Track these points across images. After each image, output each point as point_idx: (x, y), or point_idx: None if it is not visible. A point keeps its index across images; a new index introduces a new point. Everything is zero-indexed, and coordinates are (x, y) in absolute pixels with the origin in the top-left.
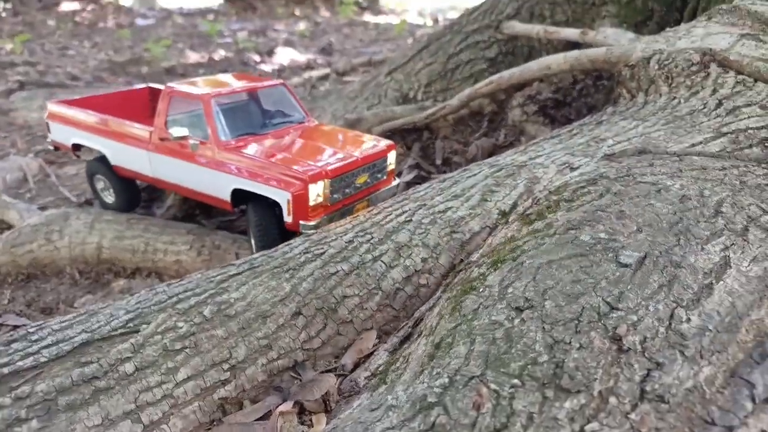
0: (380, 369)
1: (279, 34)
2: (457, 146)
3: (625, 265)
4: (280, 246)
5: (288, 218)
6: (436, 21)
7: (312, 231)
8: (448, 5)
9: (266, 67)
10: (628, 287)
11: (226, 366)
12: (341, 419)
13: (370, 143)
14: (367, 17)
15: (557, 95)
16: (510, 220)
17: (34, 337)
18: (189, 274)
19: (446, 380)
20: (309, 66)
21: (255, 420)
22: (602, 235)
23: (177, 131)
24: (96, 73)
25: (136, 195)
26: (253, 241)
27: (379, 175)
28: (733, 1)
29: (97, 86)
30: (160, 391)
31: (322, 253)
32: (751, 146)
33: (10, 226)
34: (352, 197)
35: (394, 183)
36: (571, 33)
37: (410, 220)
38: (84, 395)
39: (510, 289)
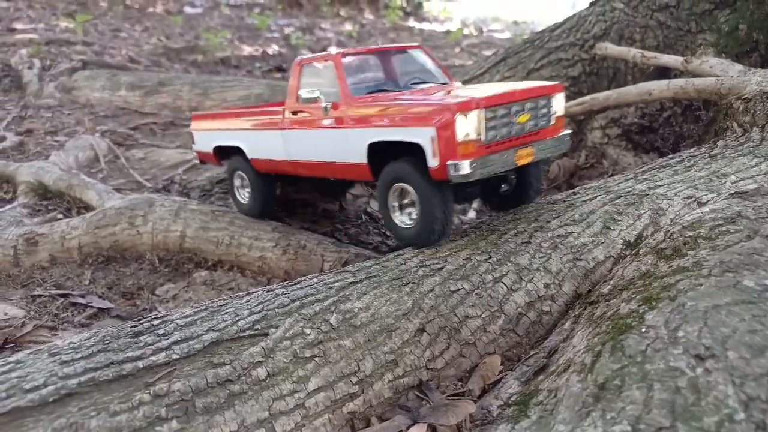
0: (514, 399)
1: (325, 33)
2: None
3: None
4: (391, 256)
5: (433, 162)
6: (480, 31)
7: (461, 179)
8: (491, 16)
9: None
10: None
11: (354, 379)
12: None
13: (536, 83)
14: (412, 23)
15: (643, 120)
16: (640, 252)
17: (161, 331)
18: (303, 277)
19: (628, 428)
20: None
21: None
22: (767, 282)
23: (306, 93)
24: (152, 57)
25: (271, 198)
26: (396, 223)
27: (544, 121)
28: None
29: (155, 70)
30: (292, 400)
31: (440, 269)
32: None
33: (87, 206)
34: (512, 140)
35: (563, 133)
36: (671, 60)
37: (528, 242)
38: (219, 398)
39: (680, 333)
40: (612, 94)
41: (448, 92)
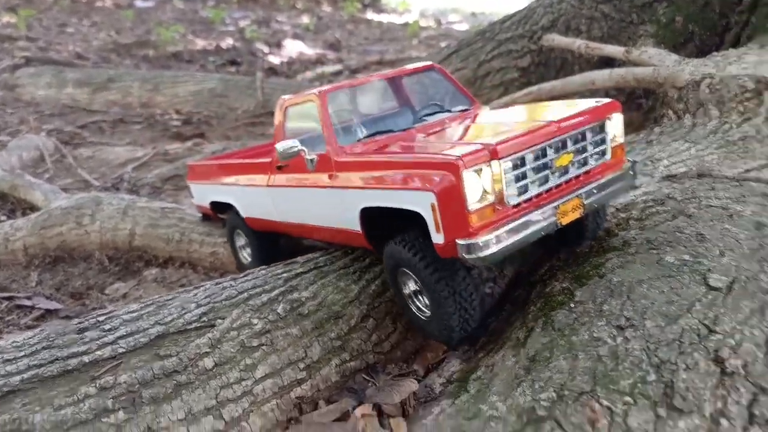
0: (455, 376)
1: (282, 26)
2: None
3: (716, 289)
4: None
5: (437, 238)
6: (438, 23)
7: (479, 262)
8: (450, 7)
9: (275, 59)
10: (722, 311)
11: (302, 365)
12: (430, 425)
13: (577, 106)
14: (370, 15)
15: None
16: None
17: (107, 327)
18: (251, 270)
19: (553, 394)
20: (319, 60)
21: (332, 420)
22: (686, 257)
23: (284, 147)
24: (101, 53)
25: (275, 256)
26: (415, 314)
27: (596, 156)
28: None
29: (104, 66)
30: (240, 387)
31: None
32: None
33: (32, 207)
34: (548, 194)
35: (625, 167)
36: (613, 50)
37: None
38: (166, 389)
39: (605, 306)
40: (557, 84)
41: (462, 131)
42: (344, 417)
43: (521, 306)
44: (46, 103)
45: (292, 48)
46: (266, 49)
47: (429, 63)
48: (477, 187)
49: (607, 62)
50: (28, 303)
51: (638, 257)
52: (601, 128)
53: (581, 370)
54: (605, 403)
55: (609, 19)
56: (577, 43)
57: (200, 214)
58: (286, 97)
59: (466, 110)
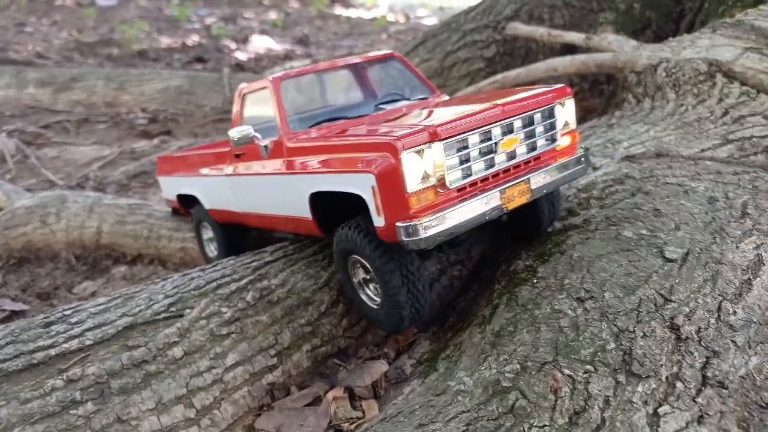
0: (425, 357)
1: (249, 22)
2: None
3: (671, 260)
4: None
5: (378, 221)
6: (407, 18)
7: (419, 245)
8: (418, 2)
9: (242, 55)
10: (677, 281)
11: (272, 351)
12: (400, 403)
13: (535, 90)
14: (338, 10)
15: None
16: None
17: (73, 320)
18: (220, 260)
19: (517, 366)
20: (287, 56)
21: (305, 405)
22: (644, 231)
23: (237, 133)
24: (63, 52)
25: (242, 248)
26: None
27: (545, 141)
28: (734, 16)
29: (68, 66)
30: (210, 375)
31: None
32: (756, 153)
33: None
34: (494, 178)
35: (576, 155)
36: (574, 37)
37: None
38: (135, 379)
39: (566, 281)
40: (522, 72)
41: (414, 117)
42: (316, 401)
43: (487, 285)
44: (7, 104)
45: (260, 44)
46: (233, 46)
47: (389, 51)
48: (418, 169)
49: (570, 49)
50: None
51: (598, 233)
52: (551, 113)
53: (544, 342)
54: (567, 372)
55: (570, 8)
56: (540, 31)
57: (170, 209)
58: (244, 85)
59: (425, 99)
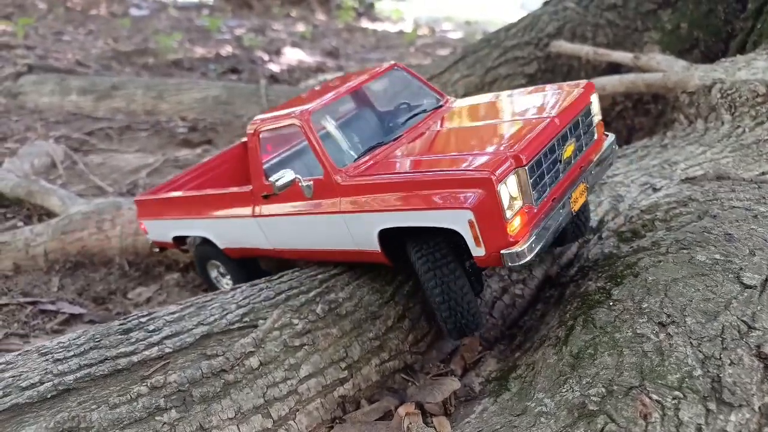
0: (494, 375)
1: (278, 34)
2: None
3: (750, 287)
4: None
5: (478, 251)
6: (432, 31)
7: (520, 266)
8: (443, 16)
9: (275, 67)
10: (758, 308)
11: (343, 365)
12: (475, 422)
13: (559, 92)
14: (365, 23)
15: None
16: (603, 236)
17: (150, 327)
18: (285, 272)
19: (603, 389)
20: (319, 68)
21: (376, 419)
22: (717, 256)
23: (279, 177)
24: (101, 61)
25: (259, 275)
26: (436, 310)
27: (587, 138)
28: None
29: (106, 74)
30: (285, 386)
31: None
32: None
33: (49, 213)
34: (563, 184)
35: (607, 143)
36: (622, 56)
37: None
38: (215, 387)
39: (644, 304)
40: None
41: (460, 136)
42: (387, 416)
43: (555, 306)
44: (51, 111)
45: (292, 55)
46: (266, 57)
47: (392, 63)
48: (508, 197)
49: (615, 68)
50: (52, 308)
51: (670, 257)
52: (589, 111)
53: (628, 366)
54: (655, 397)
55: (614, 26)
56: (585, 50)
57: (156, 249)
58: (259, 118)
59: (439, 106)
